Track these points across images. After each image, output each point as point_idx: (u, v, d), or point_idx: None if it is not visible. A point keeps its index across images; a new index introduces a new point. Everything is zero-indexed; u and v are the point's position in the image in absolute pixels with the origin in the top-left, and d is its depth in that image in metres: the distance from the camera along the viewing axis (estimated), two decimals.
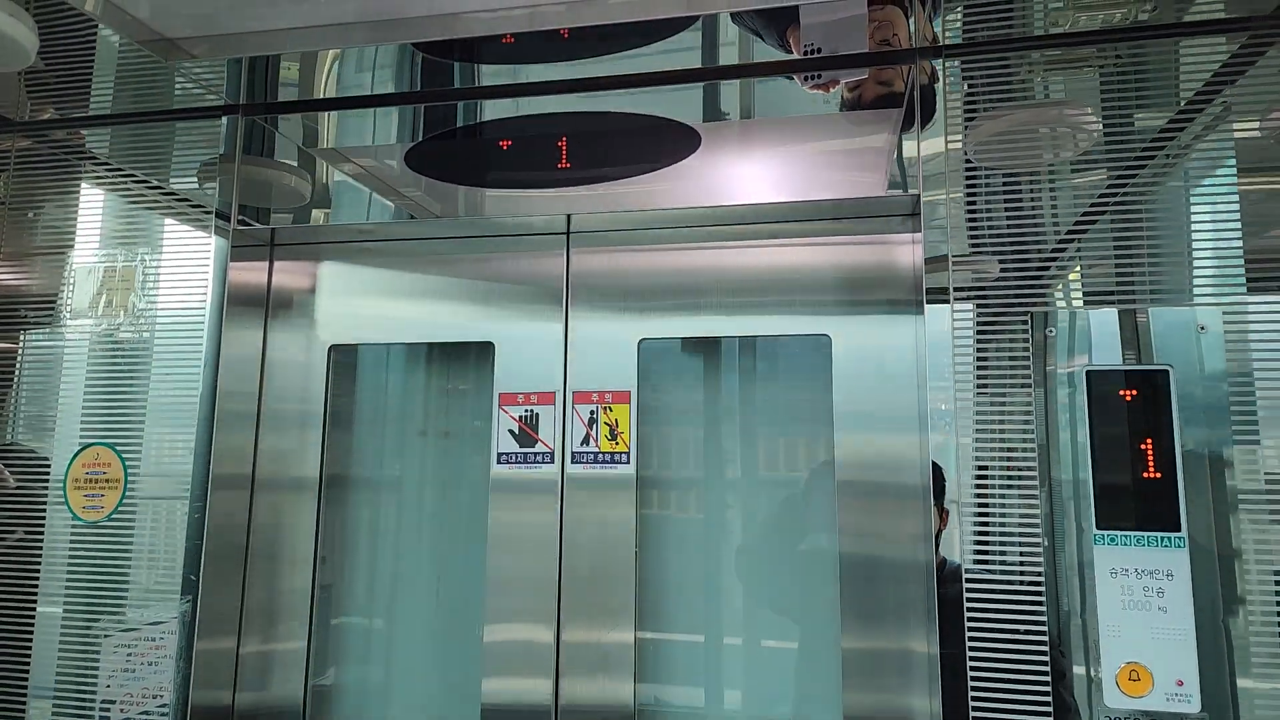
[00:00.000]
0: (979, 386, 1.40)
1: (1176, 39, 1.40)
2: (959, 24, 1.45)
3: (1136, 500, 1.31)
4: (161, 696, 1.60)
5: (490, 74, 1.68)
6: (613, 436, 1.69)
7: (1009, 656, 1.31)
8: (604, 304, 1.76)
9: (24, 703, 1.63)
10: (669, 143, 1.65)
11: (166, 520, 1.65)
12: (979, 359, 1.41)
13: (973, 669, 1.32)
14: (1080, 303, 1.39)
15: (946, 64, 1.48)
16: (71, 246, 1.79)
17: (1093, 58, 1.43)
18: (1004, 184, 1.44)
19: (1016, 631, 1.31)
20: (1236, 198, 1.35)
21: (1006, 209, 1.44)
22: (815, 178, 1.62)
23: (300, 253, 1.91)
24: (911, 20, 1.47)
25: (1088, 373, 1.36)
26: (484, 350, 1.81)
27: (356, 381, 1.96)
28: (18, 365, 1.76)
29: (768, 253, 1.71)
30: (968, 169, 1.46)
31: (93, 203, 1.81)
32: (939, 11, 1.43)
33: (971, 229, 1.45)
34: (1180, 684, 1.25)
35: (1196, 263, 1.35)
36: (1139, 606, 1.28)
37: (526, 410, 1.73)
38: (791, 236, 1.70)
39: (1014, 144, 1.44)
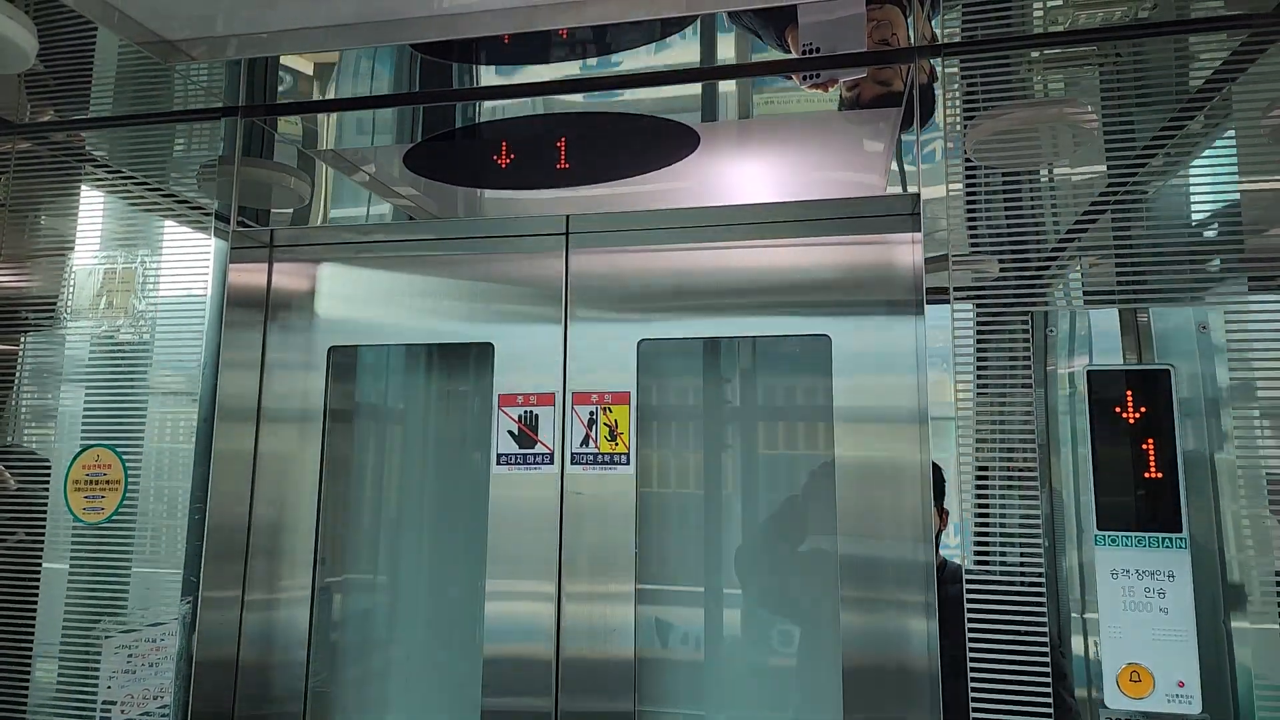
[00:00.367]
0: (979, 387, 1.39)
1: (1176, 37, 1.39)
2: (958, 22, 1.44)
3: (1137, 501, 1.30)
4: (162, 698, 1.60)
5: (489, 75, 1.67)
6: (612, 437, 1.69)
7: (1009, 657, 1.30)
8: (603, 305, 1.75)
9: (25, 703, 1.63)
10: (668, 143, 1.65)
11: (167, 521, 1.65)
12: (979, 359, 1.40)
13: (973, 669, 1.31)
14: (1081, 302, 1.38)
15: (945, 63, 1.48)
16: (71, 248, 1.79)
17: (1092, 56, 1.43)
18: (1004, 183, 1.43)
19: (1017, 632, 1.31)
20: (1238, 196, 1.34)
21: (1006, 208, 1.43)
22: (814, 178, 1.61)
23: (300, 254, 1.91)
24: (910, 19, 1.46)
25: (1088, 373, 1.35)
26: (483, 351, 1.81)
27: (356, 383, 1.96)
28: (18, 367, 1.77)
29: (767, 253, 1.70)
30: (967, 168, 1.45)
31: (92, 204, 1.81)
32: (937, 10, 1.43)
33: (971, 228, 1.44)
34: (1181, 685, 1.25)
35: (1197, 262, 1.34)
36: (1140, 607, 1.28)
37: (526, 411, 1.73)
38: (791, 236, 1.69)
39: (1013, 143, 1.44)
